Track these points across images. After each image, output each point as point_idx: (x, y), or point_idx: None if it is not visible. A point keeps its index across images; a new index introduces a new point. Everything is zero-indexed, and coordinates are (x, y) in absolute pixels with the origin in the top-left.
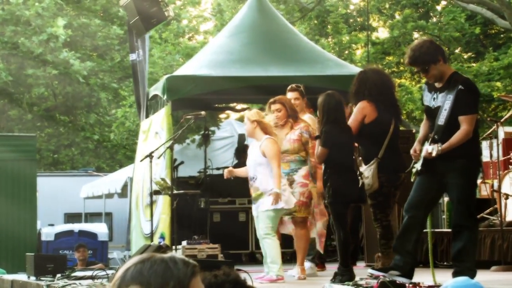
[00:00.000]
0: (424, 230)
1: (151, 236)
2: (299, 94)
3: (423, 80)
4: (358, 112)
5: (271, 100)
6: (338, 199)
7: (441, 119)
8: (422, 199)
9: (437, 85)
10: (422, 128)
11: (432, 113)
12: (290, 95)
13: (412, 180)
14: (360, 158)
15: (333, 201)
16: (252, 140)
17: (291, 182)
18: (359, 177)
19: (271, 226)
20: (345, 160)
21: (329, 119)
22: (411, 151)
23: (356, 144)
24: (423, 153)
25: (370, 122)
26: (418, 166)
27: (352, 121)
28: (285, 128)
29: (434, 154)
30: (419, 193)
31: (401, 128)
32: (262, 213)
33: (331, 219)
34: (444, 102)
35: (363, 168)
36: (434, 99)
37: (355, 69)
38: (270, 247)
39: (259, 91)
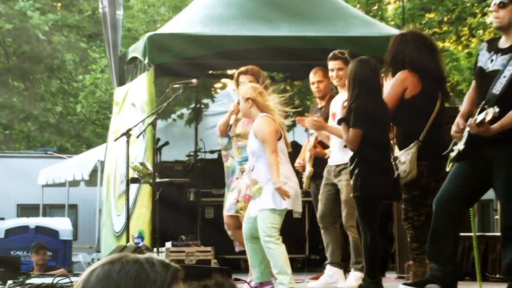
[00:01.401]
0: (469, 234)
1: (127, 235)
2: (343, 63)
3: (472, 44)
4: (398, 84)
5: (242, 69)
6: (369, 193)
7: (497, 87)
8: (459, 192)
9: (501, 44)
10: (467, 99)
11: (485, 77)
12: (331, 64)
13: (448, 168)
14: (394, 140)
15: (361, 195)
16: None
17: (242, 173)
18: (395, 165)
19: (275, 226)
20: (380, 144)
21: (362, 92)
22: (452, 130)
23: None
24: (468, 127)
25: (412, 97)
26: (459, 146)
27: (389, 95)
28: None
29: (489, 117)
30: (457, 183)
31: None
32: (261, 212)
33: (357, 217)
34: (506, 67)
35: (399, 152)
36: (492, 60)
37: (386, 29)
38: (276, 253)
39: (265, 54)
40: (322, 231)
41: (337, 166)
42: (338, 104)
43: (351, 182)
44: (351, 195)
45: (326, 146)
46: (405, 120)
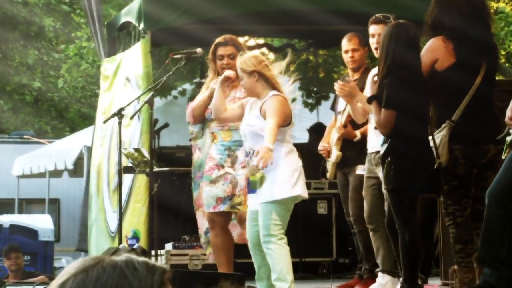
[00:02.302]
0: None
1: (119, 235)
2: None
3: None
4: (427, 55)
5: (221, 39)
6: (404, 186)
7: None
8: None
9: None
10: None
11: None
12: (372, 29)
13: (504, 155)
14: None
15: (396, 188)
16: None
17: (232, 160)
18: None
19: (279, 223)
20: (417, 128)
21: (396, 65)
22: (507, 116)
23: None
24: None
25: (444, 69)
26: None
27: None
28: (236, 82)
29: None
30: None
31: (498, 78)
32: (264, 206)
33: (392, 215)
34: None
35: (435, 135)
36: None
37: None
38: (276, 255)
39: (283, 18)
40: (371, 233)
41: (377, 152)
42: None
43: (383, 172)
44: (386, 187)
45: (356, 127)
46: (438, 97)
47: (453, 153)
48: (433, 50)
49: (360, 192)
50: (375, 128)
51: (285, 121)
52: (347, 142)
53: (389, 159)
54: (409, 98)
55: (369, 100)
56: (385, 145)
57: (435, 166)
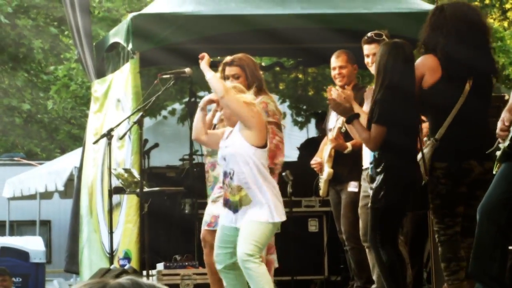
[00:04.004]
0: None
1: (111, 256)
2: None
3: None
4: (416, 70)
5: (228, 59)
6: (392, 207)
7: None
8: (508, 198)
9: None
10: None
11: None
12: (366, 49)
13: (495, 170)
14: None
15: (382, 207)
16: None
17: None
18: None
19: (261, 246)
20: (409, 146)
21: (392, 83)
22: (498, 127)
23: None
24: None
25: (430, 85)
26: (505, 144)
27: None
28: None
29: None
30: (504, 187)
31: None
32: (248, 224)
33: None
34: None
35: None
36: None
37: (417, 4)
38: (256, 275)
39: (273, 37)
40: (367, 251)
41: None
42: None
43: (371, 190)
44: (369, 205)
45: (348, 140)
46: (427, 113)
47: (435, 172)
48: (420, 66)
49: (352, 209)
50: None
51: (262, 139)
52: (339, 159)
53: (379, 177)
54: (401, 115)
55: (349, 120)
56: (375, 162)
57: (423, 183)
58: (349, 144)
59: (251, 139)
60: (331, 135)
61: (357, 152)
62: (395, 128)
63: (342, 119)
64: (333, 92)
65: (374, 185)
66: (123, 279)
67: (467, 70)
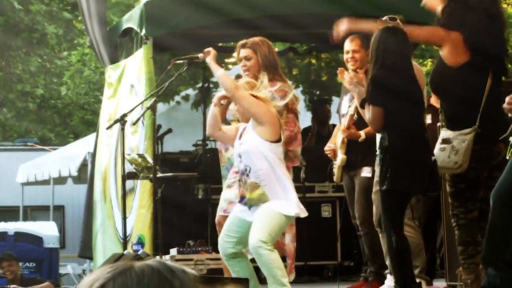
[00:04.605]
0: None
1: (124, 241)
2: None
3: None
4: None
5: (242, 41)
6: (399, 188)
7: None
8: None
9: None
10: None
11: None
12: None
13: (508, 155)
14: (441, 122)
15: (389, 189)
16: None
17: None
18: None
19: (272, 233)
20: (412, 125)
21: (385, 64)
22: (506, 100)
23: (433, 101)
24: None
25: (460, 66)
26: None
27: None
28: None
29: None
30: None
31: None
32: (263, 213)
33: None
34: None
35: (452, 134)
36: None
37: None
38: (268, 261)
39: (285, 22)
40: (380, 236)
41: None
42: None
43: (378, 172)
44: (380, 187)
45: (362, 127)
46: (450, 94)
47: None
48: (447, 42)
49: (366, 194)
50: None
51: (275, 134)
52: (352, 145)
53: (385, 159)
54: (396, 96)
55: (363, 102)
56: (381, 144)
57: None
58: (362, 133)
59: (264, 134)
60: (343, 122)
61: (370, 138)
62: (393, 108)
63: (354, 106)
64: (346, 75)
65: (381, 166)
66: (151, 261)
67: (491, 59)
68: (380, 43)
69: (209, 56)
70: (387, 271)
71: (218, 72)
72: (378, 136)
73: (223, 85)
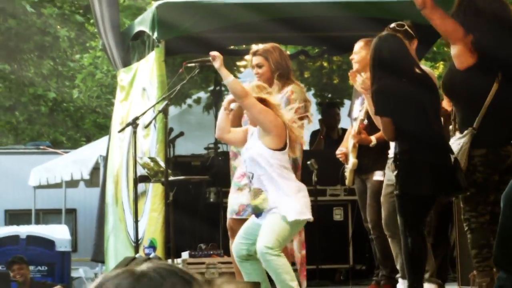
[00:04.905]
0: None
1: (136, 244)
2: (404, 37)
3: None
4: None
5: (253, 49)
6: (409, 192)
7: None
8: None
9: None
10: None
11: None
12: None
13: None
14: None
15: (401, 194)
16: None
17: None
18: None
19: (280, 239)
20: (422, 130)
21: (384, 74)
22: None
23: (445, 105)
24: None
25: (466, 69)
26: None
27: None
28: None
29: None
30: None
31: None
32: (271, 219)
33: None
34: None
35: (454, 137)
36: None
37: None
38: (275, 266)
39: (297, 26)
40: (389, 240)
41: None
42: None
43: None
44: (395, 192)
45: (373, 132)
46: (458, 98)
47: (473, 160)
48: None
49: (377, 198)
50: None
51: (280, 142)
52: (363, 149)
53: (397, 164)
54: (399, 102)
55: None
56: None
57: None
58: (373, 138)
59: (269, 142)
60: (354, 126)
61: (382, 143)
62: (400, 115)
63: (364, 110)
64: (358, 78)
65: (396, 172)
66: (151, 266)
67: (500, 59)
68: (377, 52)
69: (218, 62)
70: (398, 275)
71: (228, 79)
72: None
73: (233, 91)
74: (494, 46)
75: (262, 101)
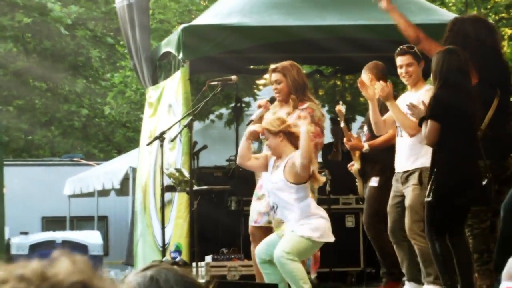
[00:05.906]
0: None
1: (163, 248)
2: (413, 58)
3: None
4: None
5: (272, 66)
6: (441, 198)
7: None
8: None
9: None
10: None
11: None
12: (399, 60)
13: None
14: None
15: (432, 200)
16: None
17: None
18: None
19: (296, 250)
20: (465, 143)
21: (447, 83)
22: None
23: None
24: None
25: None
26: None
27: None
28: (284, 107)
29: None
30: None
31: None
32: (290, 234)
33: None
34: None
35: None
36: None
37: (447, 15)
38: (290, 269)
39: (312, 47)
40: (394, 247)
41: (405, 172)
42: (402, 105)
43: (429, 183)
44: (426, 199)
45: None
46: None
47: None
48: None
49: (371, 202)
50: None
51: (304, 178)
52: (366, 157)
53: (434, 171)
54: (454, 114)
55: (421, 119)
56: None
57: (485, 181)
58: (365, 144)
59: (295, 178)
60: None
61: (381, 151)
62: (448, 125)
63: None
64: (377, 86)
65: (432, 178)
66: (145, 275)
67: (498, 77)
68: (444, 63)
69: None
70: (404, 278)
71: (303, 131)
72: (400, 157)
73: (302, 148)
74: (488, 67)
75: (291, 134)
